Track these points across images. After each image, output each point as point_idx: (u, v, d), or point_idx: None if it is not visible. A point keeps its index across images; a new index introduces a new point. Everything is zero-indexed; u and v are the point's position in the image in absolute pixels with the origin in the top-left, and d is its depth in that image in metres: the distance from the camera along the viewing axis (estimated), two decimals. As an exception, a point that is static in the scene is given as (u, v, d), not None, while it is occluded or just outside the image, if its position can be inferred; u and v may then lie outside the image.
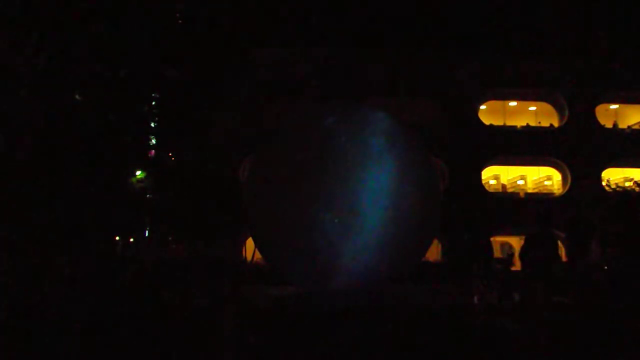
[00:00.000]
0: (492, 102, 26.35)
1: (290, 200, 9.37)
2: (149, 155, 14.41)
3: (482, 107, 25.98)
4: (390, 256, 9.12)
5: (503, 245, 24.89)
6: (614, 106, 26.99)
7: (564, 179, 25.40)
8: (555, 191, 26.12)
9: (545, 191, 26.59)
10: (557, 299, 9.09)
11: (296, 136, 10.41)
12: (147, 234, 16.29)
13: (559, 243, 9.63)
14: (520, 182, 27.30)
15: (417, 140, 10.68)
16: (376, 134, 9.61)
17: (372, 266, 9.10)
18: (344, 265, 9.06)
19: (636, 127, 26.60)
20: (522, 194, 26.18)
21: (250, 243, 16.40)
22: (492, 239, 22.83)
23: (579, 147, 24.62)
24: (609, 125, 26.22)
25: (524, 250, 8.73)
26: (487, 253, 10.43)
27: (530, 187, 27.25)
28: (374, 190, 9.07)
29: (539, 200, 25.19)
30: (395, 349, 6.03)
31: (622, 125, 26.87)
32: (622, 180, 23.57)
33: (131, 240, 15.76)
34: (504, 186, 27.14)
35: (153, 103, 13.71)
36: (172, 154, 15.51)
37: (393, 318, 7.25)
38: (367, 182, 9.12)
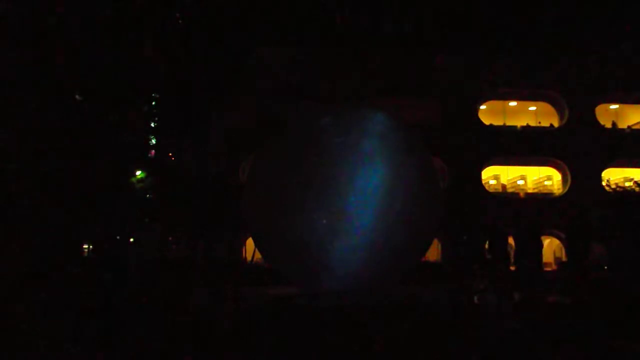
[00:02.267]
0: (492, 102, 26.37)
1: (284, 201, 9.41)
2: (149, 155, 14.42)
3: (482, 107, 26.00)
4: (382, 258, 9.09)
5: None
6: (614, 106, 27.01)
7: (564, 179, 25.41)
8: (555, 191, 26.13)
9: (545, 191, 26.60)
10: (557, 299, 9.11)
11: (292, 137, 10.43)
12: (146, 234, 16.30)
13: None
14: (520, 182, 27.31)
15: (415, 142, 10.62)
16: (370, 136, 9.57)
17: (362, 267, 9.08)
18: (333, 266, 9.08)
19: (636, 127, 26.61)
20: (522, 194, 26.18)
21: (250, 243, 16.41)
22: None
23: (579, 147, 24.62)
24: (609, 125, 26.23)
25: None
26: (503, 254, 10.29)
27: (530, 187, 27.26)
28: (363, 192, 9.05)
29: (539, 200, 25.22)
30: (394, 349, 6.03)
31: (622, 125, 26.88)
32: (622, 180, 23.58)
33: (131, 240, 15.77)
34: (504, 186, 27.14)
35: (153, 103, 13.73)
36: (172, 154, 15.52)
37: (391, 318, 7.26)
38: (357, 184, 9.10)
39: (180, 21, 13.84)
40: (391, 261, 9.32)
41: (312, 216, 9.04)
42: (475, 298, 10.34)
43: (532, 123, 26.17)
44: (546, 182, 26.92)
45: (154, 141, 14.54)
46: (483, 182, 25.23)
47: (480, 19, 24.49)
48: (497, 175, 27.19)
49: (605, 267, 15.03)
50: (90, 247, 14.16)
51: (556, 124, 25.97)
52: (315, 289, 9.69)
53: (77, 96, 11.62)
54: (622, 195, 16.29)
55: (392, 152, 9.54)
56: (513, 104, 26.95)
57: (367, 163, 9.21)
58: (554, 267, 24.02)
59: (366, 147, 9.35)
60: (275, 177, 9.80)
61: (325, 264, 9.08)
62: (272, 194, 9.71)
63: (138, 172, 13.98)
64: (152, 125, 14.06)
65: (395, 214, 9.08)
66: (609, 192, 17.85)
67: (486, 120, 25.49)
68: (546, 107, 26.52)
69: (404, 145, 9.93)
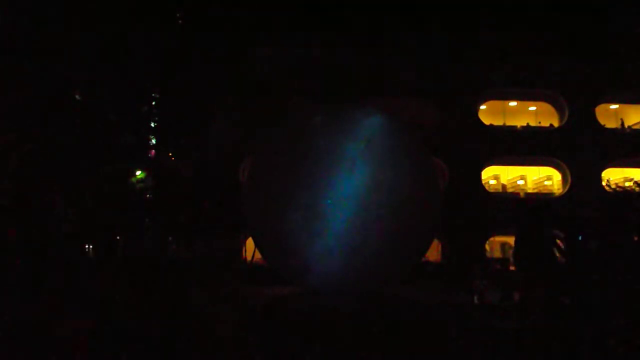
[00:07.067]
0: (492, 102, 26.37)
1: (272, 201, 9.47)
2: (149, 155, 14.44)
3: (482, 107, 26.00)
4: (363, 260, 9.08)
5: (503, 245, 24.92)
6: (614, 106, 27.01)
7: (564, 179, 25.41)
8: (555, 191, 26.13)
9: (545, 191, 26.60)
10: (556, 299, 9.08)
11: (286, 137, 10.46)
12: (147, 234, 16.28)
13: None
14: (520, 182, 27.31)
15: (413, 145, 10.54)
16: (356, 140, 9.54)
17: (342, 268, 9.08)
18: (313, 266, 9.11)
19: (636, 127, 26.62)
20: (522, 194, 26.19)
21: (250, 243, 16.41)
22: (492, 238, 22.86)
23: (579, 147, 24.62)
24: (609, 125, 26.23)
25: (515, 250, 8.71)
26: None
27: (530, 187, 27.26)
28: (341, 195, 9.05)
29: (539, 200, 25.22)
30: (395, 349, 6.03)
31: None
32: (622, 180, 23.57)
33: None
34: (504, 186, 27.15)
35: (153, 103, 13.75)
36: (172, 154, 15.52)
37: (391, 318, 7.26)
38: (336, 187, 9.10)
39: (180, 21, 13.85)
40: (376, 262, 9.28)
41: (292, 217, 9.10)
42: (475, 298, 10.35)
43: (532, 123, 26.17)
44: (546, 182, 26.92)
45: (154, 141, 14.55)
46: (483, 182, 25.23)
47: (480, 18, 24.49)
48: (497, 175, 27.19)
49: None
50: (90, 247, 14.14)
51: (556, 124, 25.97)
52: (304, 289, 9.76)
53: (76, 96, 11.64)
54: (622, 195, 16.26)
55: (379, 157, 9.47)
56: (513, 104, 26.96)
57: (348, 167, 9.20)
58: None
59: (350, 151, 9.34)
60: (267, 177, 9.87)
61: (306, 265, 9.14)
62: (264, 195, 9.79)
63: (138, 172, 13.99)
64: (152, 125, 14.08)
65: (375, 217, 9.04)
66: (609, 192, 17.86)
67: (486, 120, 25.50)
68: (546, 107, 26.52)
69: (396, 149, 9.85)
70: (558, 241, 8.39)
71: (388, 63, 24.44)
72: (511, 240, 24.95)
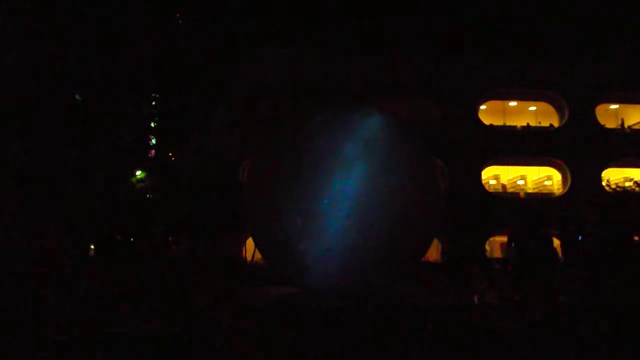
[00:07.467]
0: (492, 102, 26.39)
1: (270, 201, 9.49)
2: (149, 155, 14.45)
3: (482, 107, 26.01)
4: (360, 260, 9.07)
5: (503, 245, 24.92)
6: (614, 106, 27.03)
7: (564, 179, 25.43)
8: (555, 191, 26.14)
9: (545, 191, 26.62)
10: (556, 298, 9.10)
11: (285, 137, 10.46)
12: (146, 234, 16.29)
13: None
14: (520, 182, 27.34)
15: (413, 146, 10.48)
16: (354, 140, 9.52)
17: (339, 269, 9.09)
18: (310, 266, 9.13)
19: (636, 127, 26.64)
20: (522, 194, 26.21)
21: (250, 243, 16.44)
22: (492, 238, 22.86)
23: (579, 147, 24.65)
24: (609, 125, 26.25)
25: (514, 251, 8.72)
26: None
27: (530, 187, 27.28)
28: (338, 196, 9.04)
29: (539, 200, 25.24)
30: (394, 350, 6.04)
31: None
32: (622, 180, 23.60)
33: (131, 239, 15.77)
34: (504, 186, 27.17)
35: (153, 103, 13.77)
36: (172, 154, 15.54)
37: (390, 319, 7.27)
38: (332, 188, 9.09)
39: (180, 21, 13.86)
40: (376, 263, 9.27)
41: (289, 217, 9.12)
42: (475, 298, 10.33)
43: (532, 123, 26.19)
44: (546, 182, 26.95)
45: (154, 141, 14.58)
46: (483, 182, 25.25)
47: (480, 18, 24.52)
48: (497, 175, 27.22)
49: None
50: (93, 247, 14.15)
51: (556, 124, 25.98)
52: (303, 289, 9.79)
53: (77, 96, 11.65)
54: (622, 195, 16.27)
55: (379, 157, 9.44)
56: (513, 104, 26.98)
57: (346, 167, 9.19)
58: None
59: (348, 151, 9.32)
60: (267, 177, 9.87)
61: (303, 264, 9.15)
62: (263, 195, 9.80)
63: (138, 172, 14.01)
64: (152, 125, 14.11)
65: (375, 218, 9.03)
66: (609, 192, 17.88)
67: (486, 120, 25.52)
68: (546, 107, 26.55)
69: (396, 149, 9.80)
70: (555, 240, 8.42)
71: (390, 63, 24.44)
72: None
